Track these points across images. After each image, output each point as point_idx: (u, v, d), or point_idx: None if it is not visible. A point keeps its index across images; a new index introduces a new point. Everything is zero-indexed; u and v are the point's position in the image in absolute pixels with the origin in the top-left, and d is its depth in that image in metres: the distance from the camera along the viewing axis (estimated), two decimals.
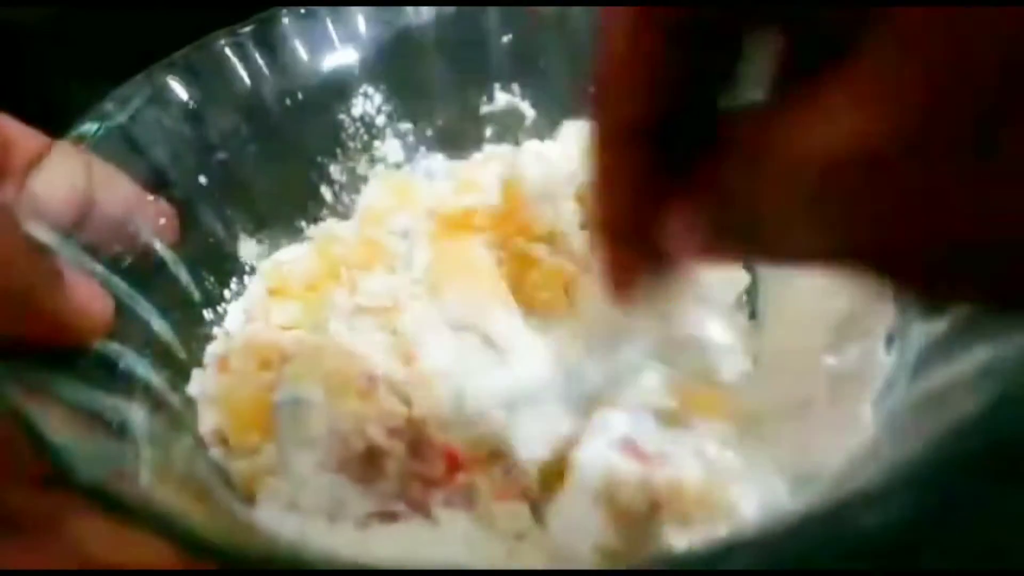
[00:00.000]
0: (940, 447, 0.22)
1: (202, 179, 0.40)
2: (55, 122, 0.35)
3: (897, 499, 0.21)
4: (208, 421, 0.35)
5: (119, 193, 0.35)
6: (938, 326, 0.30)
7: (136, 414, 0.31)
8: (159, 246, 0.37)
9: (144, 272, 0.35)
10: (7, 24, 0.53)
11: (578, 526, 0.29)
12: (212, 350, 0.38)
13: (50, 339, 0.29)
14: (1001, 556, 0.30)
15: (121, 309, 0.32)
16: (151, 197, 0.37)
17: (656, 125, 0.21)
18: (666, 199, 0.21)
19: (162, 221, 0.37)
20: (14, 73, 0.52)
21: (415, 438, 0.32)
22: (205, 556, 0.23)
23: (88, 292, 0.31)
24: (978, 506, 0.28)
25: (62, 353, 0.29)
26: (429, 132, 0.46)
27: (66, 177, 0.33)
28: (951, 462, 0.22)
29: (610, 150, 0.22)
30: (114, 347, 0.32)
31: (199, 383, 0.36)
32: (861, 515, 0.21)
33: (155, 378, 0.34)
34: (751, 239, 0.20)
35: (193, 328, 0.38)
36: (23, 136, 0.33)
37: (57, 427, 0.26)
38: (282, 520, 0.31)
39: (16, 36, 0.54)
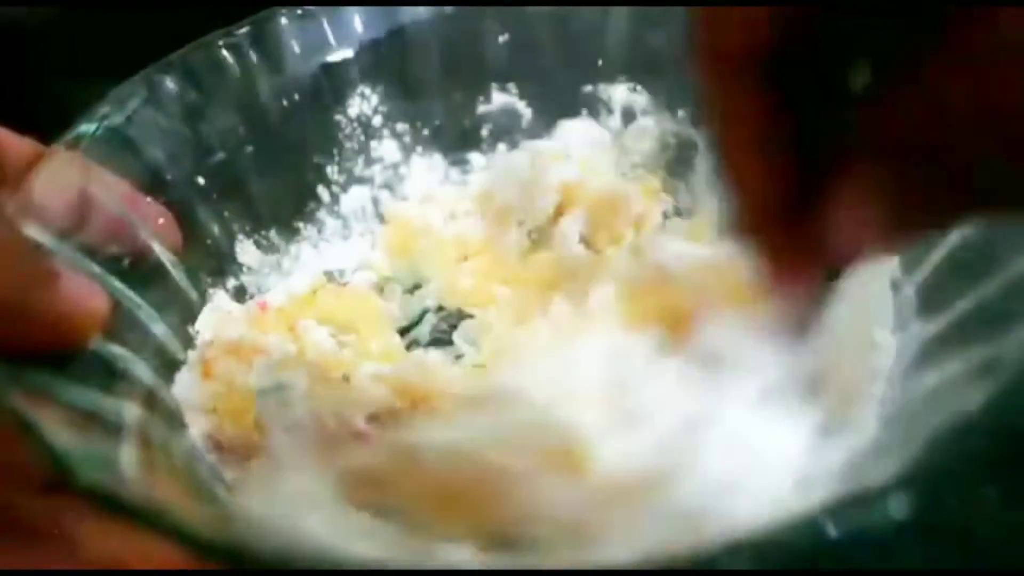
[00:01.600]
0: (940, 446, 0.22)
1: (199, 180, 0.40)
2: (54, 122, 0.35)
3: (897, 499, 0.21)
4: (198, 426, 0.35)
5: (116, 194, 0.35)
6: (935, 324, 0.30)
7: (134, 414, 0.31)
8: (156, 247, 0.37)
9: (142, 273, 0.35)
10: (7, 24, 0.53)
11: None
12: (193, 353, 0.38)
13: (47, 341, 0.29)
14: (1001, 555, 0.30)
15: (119, 310, 0.32)
16: (148, 198, 0.37)
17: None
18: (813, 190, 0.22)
19: (160, 221, 0.37)
20: (14, 73, 0.52)
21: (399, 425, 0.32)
22: (207, 556, 0.23)
23: (82, 290, 0.31)
24: (978, 505, 0.28)
25: (60, 354, 0.29)
26: (426, 132, 0.46)
27: (63, 179, 0.33)
28: (951, 461, 0.22)
29: (747, 152, 0.23)
30: (112, 348, 0.32)
31: (184, 387, 0.36)
32: (860, 515, 0.21)
33: (153, 378, 0.34)
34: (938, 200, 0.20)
35: (190, 328, 0.38)
36: (14, 141, 0.33)
37: (57, 430, 0.26)
38: (266, 506, 0.31)
39: (16, 36, 0.54)
